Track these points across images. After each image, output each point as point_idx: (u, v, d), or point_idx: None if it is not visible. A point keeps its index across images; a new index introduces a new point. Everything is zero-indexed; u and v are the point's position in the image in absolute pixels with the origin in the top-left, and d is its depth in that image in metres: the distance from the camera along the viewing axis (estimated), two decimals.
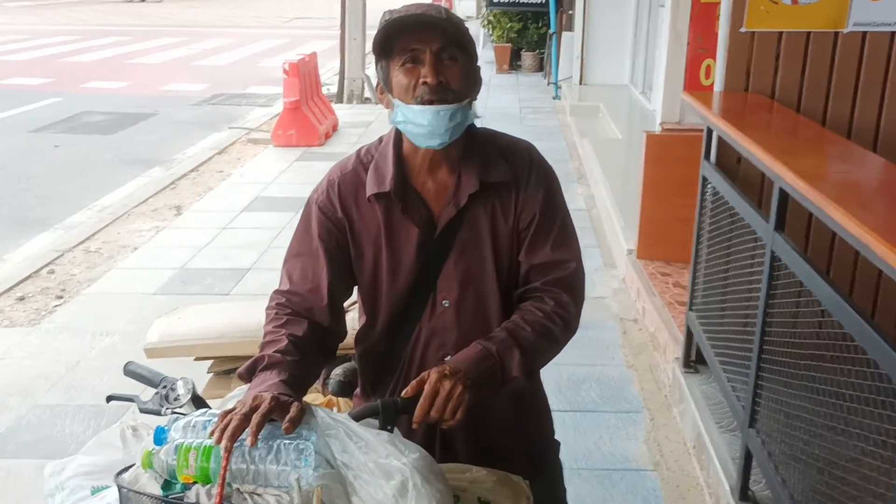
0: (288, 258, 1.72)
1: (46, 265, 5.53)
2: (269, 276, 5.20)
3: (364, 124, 10.13)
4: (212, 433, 1.33)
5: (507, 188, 1.65)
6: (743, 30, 3.33)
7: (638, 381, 3.93)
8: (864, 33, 3.27)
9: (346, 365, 2.07)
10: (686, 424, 3.44)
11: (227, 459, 1.30)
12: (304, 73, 9.15)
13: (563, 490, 1.92)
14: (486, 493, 1.58)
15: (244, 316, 2.30)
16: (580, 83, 11.32)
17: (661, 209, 4.82)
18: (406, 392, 1.47)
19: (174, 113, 11.30)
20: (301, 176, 7.70)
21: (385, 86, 1.61)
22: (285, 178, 7.67)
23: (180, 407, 1.54)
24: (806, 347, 2.27)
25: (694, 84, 4.91)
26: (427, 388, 1.46)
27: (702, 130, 4.72)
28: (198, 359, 2.29)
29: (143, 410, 1.56)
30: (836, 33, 3.28)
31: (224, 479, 1.29)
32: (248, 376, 1.54)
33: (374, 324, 1.74)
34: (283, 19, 26.65)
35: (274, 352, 1.56)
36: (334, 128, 9.69)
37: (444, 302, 1.68)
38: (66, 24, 23.83)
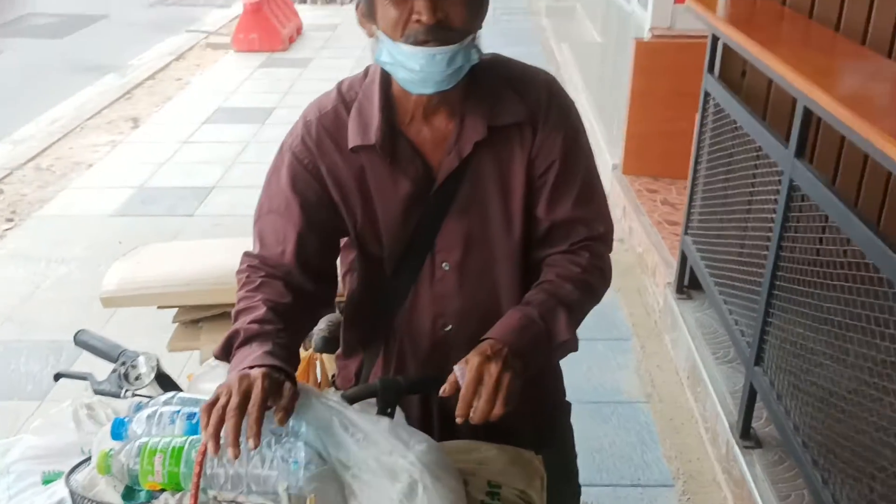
0: (259, 216, 1.45)
1: None
2: (235, 195, 4.92)
3: (330, 27, 9.61)
4: (202, 445, 1.08)
5: (521, 130, 1.39)
6: None
7: (626, 307, 3.78)
8: None
9: (332, 317, 1.84)
10: (679, 353, 3.31)
11: (201, 463, 1.09)
12: None
13: (575, 456, 1.75)
14: (496, 476, 1.39)
15: (215, 258, 2.05)
16: None
17: (648, 122, 4.58)
18: (444, 391, 1.23)
19: (127, 14, 10.66)
20: (265, 84, 7.27)
21: (367, 11, 1.31)
22: (248, 87, 7.25)
23: (142, 388, 1.32)
24: (827, 287, 2.09)
25: None
26: (470, 374, 1.22)
27: (696, 37, 4.45)
28: (161, 307, 2.05)
29: (97, 392, 1.34)
30: None
31: (198, 486, 1.08)
32: (224, 355, 1.30)
33: (364, 286, 1.51)
34: None
35: (250, 322, 1.31)
36: (298, 31, 9.17)
37: (444, 265, 1.44)
38: None
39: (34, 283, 3.95)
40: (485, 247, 1.45)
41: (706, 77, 3.10)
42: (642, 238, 4.09)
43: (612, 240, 1.49)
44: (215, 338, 1.72)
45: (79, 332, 1.45)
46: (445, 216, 1.43)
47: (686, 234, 3.30)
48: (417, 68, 1.26)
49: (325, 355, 1.95)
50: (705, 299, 3.28)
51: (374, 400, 1.34)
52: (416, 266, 1.47)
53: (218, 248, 2.11)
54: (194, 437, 1.14)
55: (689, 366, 3.15)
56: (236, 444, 1.07)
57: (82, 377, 1.38)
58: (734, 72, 3.05)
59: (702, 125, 3.17)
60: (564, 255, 1.43)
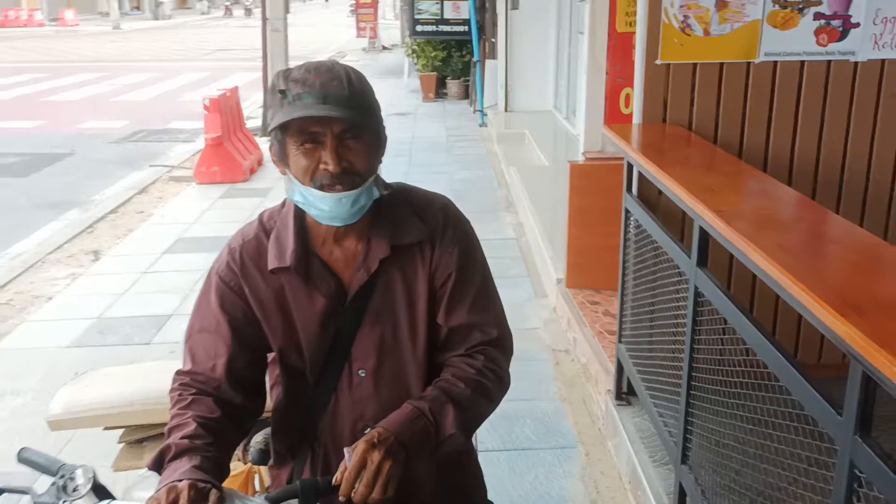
0: (190, 335, 1.61)
1: None
2: None
3: None
4: None
5: (421, 248, 1.58)
6: (658, 62, 3.36)
7: (572, 415, 3.90)
8: (775, 63, 3.33)
9: (268, 431, 1.96)
10: (621, 459, 3.42)
11: None
12: (225, 109, 8.97)
13: None
14: None
15: (158, 379, 2.16)
16: (505, 110, 11.40)
17: (587, 238, 4.83)
18: (336, 479, 1.37)
19: (92, 152, 10.95)
20: (225, 214, 7.51)
21: (280, 157, 1.52)
22: (209, 217, 7.47)
23: (80, 498, 1.42)
24: (732, 385, 2.26)
25: (614, 112, 4.96)
26: (354, 459, 1.36)
27: (623, 159, 4.76)
28: (107, 428, 2.15)
29: None
30: (749, 64, 3.34)
31: None
32: (157, 468, 1.43)
33: (289, 397, 1.65)
34: (204, 51, 26.27)
35: (181, 438, 1.45)
36: (259, 162, 9.52)
37: (360, 372, 1.60)
38: None
39: None
40: (395, 353, 1.60)
41: (625, 196, 3.37)
42: (585, 348, 4.25)
43: (509, 345, 1.65)
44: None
45: (21, 449, 1.56)
46: (359, 327, 1.59)
47: (620, 342, 3.48)
48: (326, 209, 1.47)
49: (262, 468, 2.05)
50: (642, 405, 3.42)
51: (297, 501, 1.45)
52: (336, 375, 1.62)
53: (161, 369, 2.23)
54: None
55: (630, 470, 3.26)
56: None
57: (23, 491, 1.48)
58: (651, 191, 3.31)
59: (625, 240, 3.41)
60: (461, 358, 1.59)
